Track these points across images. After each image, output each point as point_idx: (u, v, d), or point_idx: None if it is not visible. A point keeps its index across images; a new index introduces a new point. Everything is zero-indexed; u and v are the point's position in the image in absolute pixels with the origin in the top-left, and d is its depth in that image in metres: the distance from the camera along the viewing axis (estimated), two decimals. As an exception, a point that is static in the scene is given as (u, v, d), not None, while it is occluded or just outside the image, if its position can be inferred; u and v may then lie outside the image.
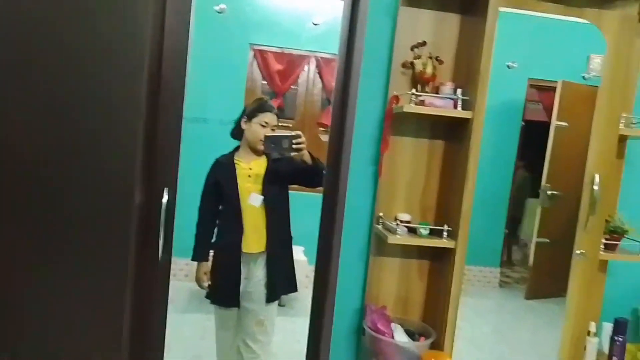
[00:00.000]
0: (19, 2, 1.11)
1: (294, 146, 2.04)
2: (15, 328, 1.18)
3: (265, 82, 3.85)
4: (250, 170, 2.20)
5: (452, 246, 1.90)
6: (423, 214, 2.07)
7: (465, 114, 1.87)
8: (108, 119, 1.16)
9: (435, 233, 1.96)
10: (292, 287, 2.31)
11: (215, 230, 2.28)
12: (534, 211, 2.42)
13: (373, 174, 1.99)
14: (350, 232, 1.92)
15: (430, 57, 1.97)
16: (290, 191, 2.28)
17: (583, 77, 2.30)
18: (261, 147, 2.17)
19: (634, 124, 2.06)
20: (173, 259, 1.37)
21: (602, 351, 2.08)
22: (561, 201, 2.32)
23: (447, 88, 1.95)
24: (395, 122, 1.96)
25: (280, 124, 2.31)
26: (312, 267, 2.04)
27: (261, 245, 2.20)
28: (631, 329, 2.10)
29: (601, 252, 2.01)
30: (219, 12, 3.33)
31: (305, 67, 3.84)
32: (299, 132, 2.08)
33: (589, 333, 2.02)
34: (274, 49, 3.83)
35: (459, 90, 1.91)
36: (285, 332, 2.88)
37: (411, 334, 1.96)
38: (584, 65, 2.31)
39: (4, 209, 1.14)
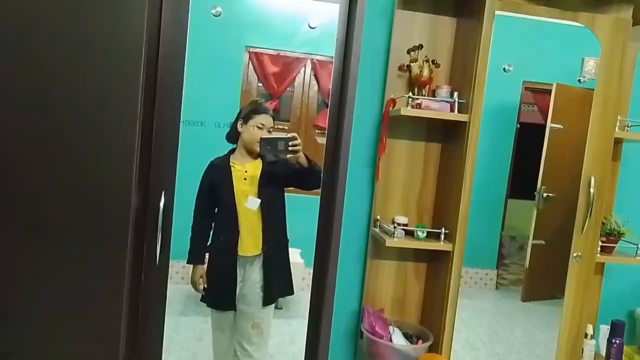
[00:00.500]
0: (17, 3, 1.10)
1: (289, 148, 2.03)
2: (12, 330, 1.17)
3: (261, 85, 3.85)
4: (246, 173, 2.19)
5: (450, 249, 1.90)
6: (420, 217, 2.08)
7: (462, 117, 1.87)
8: (106, 122, 1.15)
9: (432, 236, 1.96)
10: (289, 289, 2.31)
11: (211, 233, 2.27)
12: (529, 213, 2.42)
13: (370, 177, 1.99)
14: (348, 234, 1.92)
15: (427, 60, 1.97)
16: (286, 193, 2.27)
17: (579, 80, 2.31)
18: (258, 149, 2.17)
19: (629, 127, 2.07)
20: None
21: (599, 353, 2.09)
22: (556, 203, 2.33)
23: (444, 91, 1.96)
24: (392, 125, 1.96)
25: (276, 126, 2.31)
26: (309, 270, 2.03)
27: (257, 248, 2.19)
28: (628, 331, 2.11)
29: (598, 255, 2.02)
30: (215, 16, 3.32)
31: (301, 70, 3.84)
32: (295, 134, 2.07)
33: (586, 335, 2.02)
34: (269, 51, 3.83)
35: (455, 93, 1.92)
36: (281, 334, 2.87)
37: (409, 337, 1.96)
38: (578, 68, 2.32)
39: (1, 211, 1.13)
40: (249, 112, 2.23)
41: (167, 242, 1.30)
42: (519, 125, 2.54)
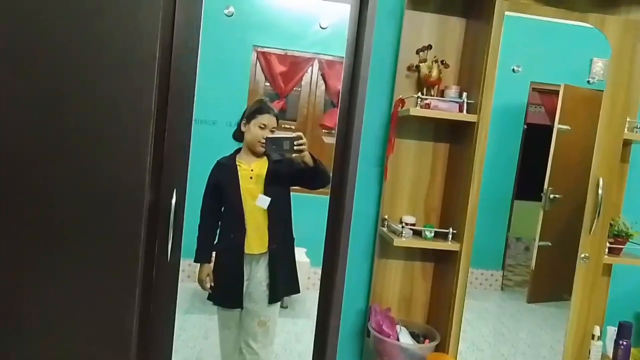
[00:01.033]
0: (31, 4, 1.10)
1: (295, 147, 2.03)
2: (23, 328, 1.18)
3: (268, 84, 3.86)
4: (252, 172, 2.20)
5: (457, 249, 1.90)
6: (427, 216, 2.08)
7: (471, 117, 1.88)
8: (119, 121, 1.16)
9: (439, 235, 1.97)
10: (295, 288, 2.31)
11: (218, 231, 2.28)
12: (535, 214, 2.42)
13: (378, 177, 2.00)
14: (356, 233, 1.92)
15: (436, 61, 1.97)
16: (292, 193, 2.28)
17: (588, 81, 2.31)
18: (260, 149, 2.18)
19: (638, 128, 2.07)
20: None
21: (606, 355, 2.08)
22: (563, 204, 2.33)
23: (452, 91, 1.96)
24: (400, 125, 1.96)
25: (282, 126, 2.31)
26: (314, 269, 2.04)
27: (263, 247, 2.20)
28: (635, 332, 2.11)
29: (605, 256, 2.01)
30: (228, 16, 3.32)
31: (309, 69, 3.84)
32: (300, 134, 2.07)
33: (593, 337, 2.02)
34: (277, 51, 3.84)
35: (464, 94, 1.92)
36: (287, 333, 2.88)
37: (415, 336, 1.96)
38: (586, 69, 2.32)
39: (14, 210, 1.14)
40: (252, 111, 2.23)
41: (178, 240, 1.30)
42: (526, 126, 2.54)
